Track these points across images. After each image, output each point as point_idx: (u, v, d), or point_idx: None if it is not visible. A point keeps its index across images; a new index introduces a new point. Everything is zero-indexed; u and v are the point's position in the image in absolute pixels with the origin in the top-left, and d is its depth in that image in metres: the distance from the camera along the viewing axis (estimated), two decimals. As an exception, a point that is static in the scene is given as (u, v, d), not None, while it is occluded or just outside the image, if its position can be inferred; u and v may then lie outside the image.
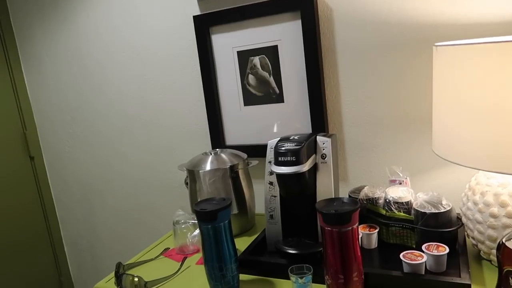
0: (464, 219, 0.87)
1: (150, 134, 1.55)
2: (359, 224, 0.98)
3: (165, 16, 1.39)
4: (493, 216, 0.78)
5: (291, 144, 0.91)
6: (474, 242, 0.86)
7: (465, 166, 0.78)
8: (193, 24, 1.37)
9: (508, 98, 0.69)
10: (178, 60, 1.42)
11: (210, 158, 1.15)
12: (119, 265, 0.96)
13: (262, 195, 1.25)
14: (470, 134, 0.76)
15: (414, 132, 1.11)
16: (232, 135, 1.40)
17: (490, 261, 0.84)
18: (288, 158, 0.89)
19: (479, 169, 0.75)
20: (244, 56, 1.32)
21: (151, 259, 1.04)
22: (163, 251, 1.08)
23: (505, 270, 0.63)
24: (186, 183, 1.38)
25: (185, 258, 1.01)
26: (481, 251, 0.85)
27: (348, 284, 0.73)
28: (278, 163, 0.90)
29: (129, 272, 0.97)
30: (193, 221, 1.07)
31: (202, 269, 0.97)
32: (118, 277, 0.92)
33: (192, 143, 1.48)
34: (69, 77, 1.65)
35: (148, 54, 1.46)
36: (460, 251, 0.86)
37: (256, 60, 1.30)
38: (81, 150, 1.72)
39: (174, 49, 1.41)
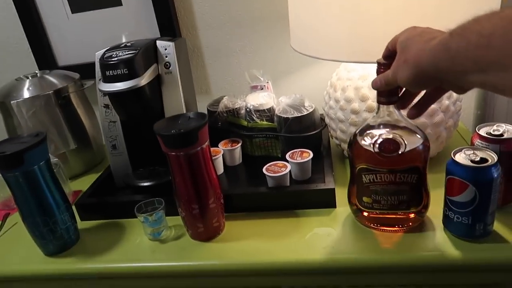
0: (327, 119, 0.81)
1: None
2: (222, 140, 0.86)
3: None
4: (354, 112, 0.72)
5: (122, 53, 0.70)
6: (337, 142, 0.81)
7: (323, 59, 0.68)
8: None
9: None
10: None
11: (26, 84, 0.87)
12: None
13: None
14: (326, 23, 0.65)
15: (274, 30, 0.99)
16: (64, 53, 1.11)
17: (353, 159, 0.81)
18: (120, 71, 0.69)
19: (338, 61, 0.66)
20: None
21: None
22: (-23, 210, 0.83)
23: (358, 167, 0.57)
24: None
25: (7, 215, 0.79)
26: (344, 150, 0.80)
27: (205, 213, 0.62)
28: (107, 79, 0.70)
29: None
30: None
31: (33, 224, 0.76)
32: None
33: (13, 69, 1.14)
34: None
35: None
36: (325, 154, 0.80)
37: (78, -50, 0.99)
38: None
39: None
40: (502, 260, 0.53)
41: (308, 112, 0.79)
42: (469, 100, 1.00)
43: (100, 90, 0.71)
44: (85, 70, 1.03)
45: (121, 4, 1.02)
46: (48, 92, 0.85)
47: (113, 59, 0.69)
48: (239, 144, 0.84)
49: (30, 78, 0.89)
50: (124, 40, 1.05)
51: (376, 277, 0.57)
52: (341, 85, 0.75)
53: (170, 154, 0.59)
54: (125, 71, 0.68)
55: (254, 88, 0.90)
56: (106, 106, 0.78)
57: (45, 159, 0.63)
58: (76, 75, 0.94)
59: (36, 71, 0.92)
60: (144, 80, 0.70)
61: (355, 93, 0.72)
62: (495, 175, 0.51)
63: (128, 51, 0.70)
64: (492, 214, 0.54)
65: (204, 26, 1.02)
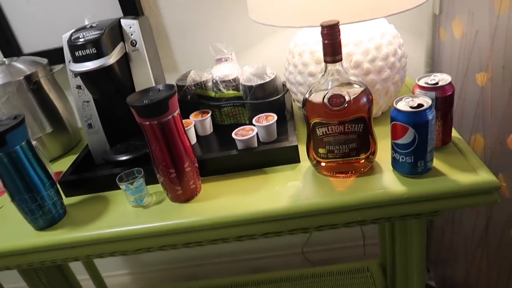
0: (288, 85, 0.87)
1: None
2: (192, 112, 0.92)
3: None
4: (311, 75, 0.79)
5: (88, 33, 0.74)
6: (299, 105, 0.87)
7: (278, 26, 0.74)
8: None
9: None
10: None
11: (-5, 72, 0.89)
12: None
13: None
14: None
15: (235, 4, 1.03)
16: (28, 40, 1.12)
17: (315, 119, 0.88)
18: (88, 51, 0.73)
19: (291, 26, 0.72)
20: None
21: None
22: (-39, 197, 0.86)
23: (312, 122, 0.65)
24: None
25: (-7, 198, 0.83)
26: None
27: (181, 176, 0.68)
28: (76, 60, 0.73)
29: None
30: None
31: (19, 204, 0.80)
32: None
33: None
34: None
35: None
36: (289, 117, 0.87)
37: None
38: None
39: None
40: (441, 190, 0.62)
41: (270, 79, 0.85)
42: (420, 58, 1.09)
43: (71, 71, 0.75)
44: (52, 56, 1.06)
45: (81, -14, 1.04)
46: (19, 78, 0.88)
47: (80, 40, 0.73)
48: (209, 115, 0.90)
49: (-3, 66, 0.91)
50: (87, 23, 1.07)
51: (336, 217, 0.65)
52: (298, 50, 0.81)
53: (145, 124, 0.64)
54: (94, 50, 0.72)
55: (219, 61, 0.95)
56: (78, 87, 0.82)
57: (25, 139, 0.67)
58: (45, 60, 0.97)
59: (4, 59, 0.94)
60: (112, 58, 0.74)
61: (311, 57, 0.78)
62: (430, 117, 0.59)
63: (94, 32, 0.74)
64: (431, 153, 0.63)
65: (166, 4, 1.05)
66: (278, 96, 0.86)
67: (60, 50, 1.07)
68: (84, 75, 0.75)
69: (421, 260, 0.76)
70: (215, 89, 0.89)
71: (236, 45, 1.02)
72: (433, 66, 1.07)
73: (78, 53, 0.72)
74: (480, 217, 0.90)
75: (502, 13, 0.69)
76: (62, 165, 0.93)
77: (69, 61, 0.79)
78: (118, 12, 1.06)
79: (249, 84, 0.85)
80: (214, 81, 0.89)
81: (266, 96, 0.85)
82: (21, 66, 0.92)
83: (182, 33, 1.09)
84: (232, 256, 1.55)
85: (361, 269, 1.26)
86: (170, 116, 0.64)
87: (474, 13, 0.79)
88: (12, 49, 1.11)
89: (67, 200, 0.78)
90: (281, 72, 0.90)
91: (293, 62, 0.82)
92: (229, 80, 0.88)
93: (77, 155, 0.90)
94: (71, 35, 0.75)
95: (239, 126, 0.83)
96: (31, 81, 0.90)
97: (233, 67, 0.89)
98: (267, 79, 0.85)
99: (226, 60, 0.94)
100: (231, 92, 0.88)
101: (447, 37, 0.95)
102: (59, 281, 1.14)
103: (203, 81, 0.91)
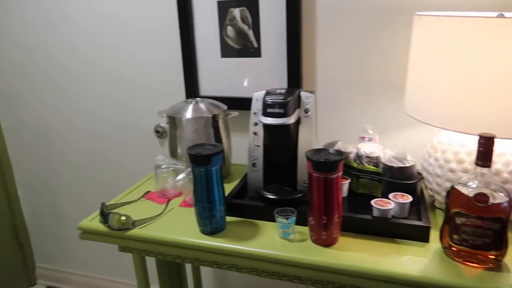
0: (424, 174, 1.00)
1: (120, 77, 1.51)
2: (332, 175, 1.08)
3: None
4: (451, 171, 0.91)
5: (278, 97, 0.96)
6: (431, 193, 0.99)
7: (435, 126, 0.89)
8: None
9: (475, 69, 0.79)
10: (154, 3, 1.38)
11: (191, 106, 1.16)
12: (103, 204, 0.97)
13: (238, 146, 1.30)
14: (441, 97, 0.86)
15: (379, 93, 1.21)
16: (207, 86, 1.42)
17: (442, 209, 0.98)
18: (276, 110, 0.94)
19: (446, 129, 0.86)
20: (224, 7, 1.32)
21: (134, 201, 1.07)
22: (144, 193, 1.10)
23: (453, 211, 0.76)
24: (157, 131, 1.39)
25: (169, 200, 1.05)
26: (436, 201, 0.98)
27: (330, 224, 0.83)
28: (266, 114, 0.95)
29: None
30: (174, 167, 1.10)
31: (185, 211, 1.01)
32: (105, 216, 0.94)
33: (165, 92, 1.47)
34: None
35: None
36: (419, 201, 0.99)
37: (236, 12, 1.31)
38: (40, 89, 1.63)
39: (153, -8, 1.36)
40: None
41: (410, 165, 0.99)
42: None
43: (260, 121, 0.97)
44: (220, 102, 1.32)
45: (260, 56, 1.31)
46: (208, 115, 1.14)
47: (273, 101, 0.95)
48: (348, 181, 1.05)
49: (193, 102, 1.18)
50: (245, 84, 1.33)
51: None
52: (441, 148, 0.94)
53: (314, 175, 0.82)
54: (281, 111, 0.94)
55: (362, 139, 1.12)
56: (255, 133, 1.03)
57: (220, 163, 0.89)
58: (224, 106, 1.22)
59: (195, 99, 1.21)
60: (292, 120, 0.95)
61: (454, 156, 0.91)
62: None
63: (283, 97, 0.96)
64: None
65: (323, 83, 1.27)
66: (415, 181, 0.99)
67: (228, 99, 1.35)
68: (267, 127, 0.97)
69: None
70: (357, 161, 1.05)
71: (379, 128, 1.19)
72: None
73: (270, 110, 0.94)
74: None
75: None
76: (214, 190, 1.13)
77: (255, 113, 1.02)
78: (283, 82, 1.30)
79: (390, 164, 1.00)
80: (359, 154, 1.05)
81: (403, 178, 0.99)
82: (208, 106, 1.18)
83: (329, 107, 1.29)
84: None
85: None
86: (335, 175, 0.81)
87: None
88: (194, 91, 1.41)
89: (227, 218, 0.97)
90: (416, 160, 1.03)
91: (434, 156, 0.95)
92: (372, 157, 1.03)
93: (227, 184, 1.11)
94: (265, 95, 0.98)
95: (371, 197, 0.97)
96: (215, 119, 1.15)
97: (377, 147, 1.05)
98: (407, 165, 0.99)
99: (370, 140, 1.10)
100: (372, 167, 1.03)
101: None
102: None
103: (347, 152, 1.08)
